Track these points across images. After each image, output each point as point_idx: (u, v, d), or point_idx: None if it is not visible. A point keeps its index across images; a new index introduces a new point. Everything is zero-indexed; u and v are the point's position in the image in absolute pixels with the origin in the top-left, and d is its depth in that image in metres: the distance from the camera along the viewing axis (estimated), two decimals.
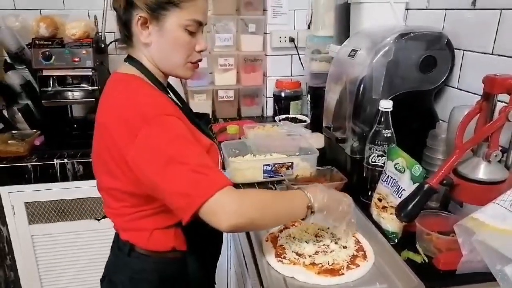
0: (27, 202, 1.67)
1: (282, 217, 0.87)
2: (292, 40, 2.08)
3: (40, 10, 1.95)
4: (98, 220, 1.72)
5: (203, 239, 0.94)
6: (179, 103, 0.99)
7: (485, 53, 1.18)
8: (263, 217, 0.81)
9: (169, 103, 0.88)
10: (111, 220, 0.97)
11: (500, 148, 0.93)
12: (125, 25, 0.90)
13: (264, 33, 2.12)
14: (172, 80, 1.05)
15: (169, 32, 0.87)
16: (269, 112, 2.23)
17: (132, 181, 0.84)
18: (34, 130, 1.82)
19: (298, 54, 2.11)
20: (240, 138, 1.68)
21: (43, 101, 1.70)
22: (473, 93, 1.24)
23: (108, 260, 1.02)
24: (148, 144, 0.78)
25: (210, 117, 2.12)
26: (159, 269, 0.93)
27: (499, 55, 1.14)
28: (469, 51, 1.25)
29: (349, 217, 0.95)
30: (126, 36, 0.93)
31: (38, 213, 1.69)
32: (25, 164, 1.61)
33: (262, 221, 0.82)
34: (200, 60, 0.96)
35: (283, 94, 2.10)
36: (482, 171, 0.94)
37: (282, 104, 2.11)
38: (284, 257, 0.94)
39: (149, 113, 0.80)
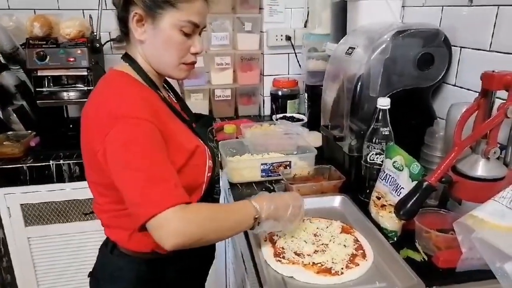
0: (23, 204, 1.66)
1: (229, 231, 0.87)
2: (288, 38, 2.07)
3: (34, 9, 1.94)
4: (85, 214, 1.71)
5: None
6: (171, 103, 0.97)
7: (482, 50, 1.18)
8: (209, 234, 0.80)
9: (149, 105, 0.85)
10: (97, 216, 0.96)
11: (498, 145, 0.93)
12: (122, 21, 0.91)
13: (261, 31, 2.11)
14: (169, 80, 1.05)
15: (163, 31, 0.87)
16: (266, 111, 2.22)
17: (107, 176, 0.83)
18: (30, 131, 1.80)
19: (295, 52, 2.10)
20: (237, 138, 1.68)
21: (38, 101, 1.69)
22: (471, 90, 1.23)
23: (97, 256, 1.02)
24: (114, 145, 0.78)
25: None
26: (138, 270, 0.93)
27: (497, 52, 1.13)
28: (466, 48, 1.25)
29: (300, 218, 0.96)
30: (124, 33, 0.93)
31: (34, 214, 1.68)
32: (21, 165, 1.60)
33: (208, 237, 0.81)
34: (194, 62, 0.95)
35: (280, 93, 2.09)
36: (481, 168, 0.94)
37: (279, 103, 2.10)
38: (283, 257, 0.93)
39: (120, 114, 0.79)
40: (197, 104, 2.10)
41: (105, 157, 0.79)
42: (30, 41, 1.63)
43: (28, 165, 1.60)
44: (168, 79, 1.04)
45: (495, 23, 1.13)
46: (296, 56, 2.11)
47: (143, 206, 0.75)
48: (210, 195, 1.02)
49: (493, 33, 1.14)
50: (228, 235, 0.90)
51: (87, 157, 0.89)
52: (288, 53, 2.14)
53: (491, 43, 1.15)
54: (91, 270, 1.03)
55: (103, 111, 0.82)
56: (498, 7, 1.12)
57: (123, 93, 0.85)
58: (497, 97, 0.93)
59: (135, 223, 0.76)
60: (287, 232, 0.99)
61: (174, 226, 0.74)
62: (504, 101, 0.89)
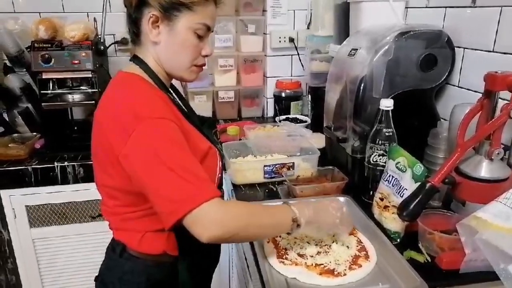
0: (28, 206, 1.67)
1: (267, 230, 0.87)
2: (291, 40, 2.08)
3: (40, 13, 1.96)
4: (94, 217, 1.72)
5: (196, 246, 0.89)
6: (181, 105, 0.98)
7: (485, 51, 1.18)
8: (246, 230, 0.81)
9: (166, 105, 0.87)
10: (106, 218, 0.96)
11: (502, 146, 0.93)
12: (134, 22, 0.91)
13: (264, 33, 2.11)
14: (173, 82, 1.05)
15: (179, 33, 0.88)
16: (270, 112, 2.23)
17: (124, 180, 0.84)
18: (35, 133, 1.82)
19: (298, 54, 2.10)
20: (240, 139, 1.68)
21: (43, 104, 1.70)
22: (474, 91, 1.23)
23: (103, 260, 1.02)
24: (140, 145, 0.78)
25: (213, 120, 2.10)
26: (148, 272, 0.93)
27: (500, 53, 1.13)
28: (469, 48, 1.24)
29: (343, 219, 0.94)
30: (135, 34, 0.93)
31: (39, 216, 1.69)
32: (26, 167, 1.61)
33: (246, 233, 0.82)
34: (204, 64, 0.97)
35: (283, 95, 2.10)
36: (484, 169, 0.94)
37: (282, 105, 2.10)
38: (286, 258, 0.93)
39: (143, 114, 0.80)
40: (201, 106, 2.11)
41: (129, 159, 0.79)
42: (35, 44, 1.64)
43: (33, 167, 1.61)
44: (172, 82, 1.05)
45: (498, 24, 1.13)
46: (299, 57, 2.11)
47: (179, 202, 0.75)
48: None
49: (496, 34, 1.14)
50: (266, 234, 0.90)
51: (102, 159, 0.88)
52: (291, 55, 2.14)
53: (494, 44, 1.15)
54: (97, 274, 1.02)
55: (125, 112, 0.82)
56: (501, 8, 1.11)
57: (143, 94, 0.86)
58: (500, 98, 0.93)
59: (169, 220, 0.76)
60: (338, 237, 0.98)
61: (212, 217, 0.75)
62: (508, 102, 0.89)
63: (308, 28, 2.08)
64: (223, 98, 2.16)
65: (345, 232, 0.97)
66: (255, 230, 0.84)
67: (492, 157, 0.92)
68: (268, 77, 2.17)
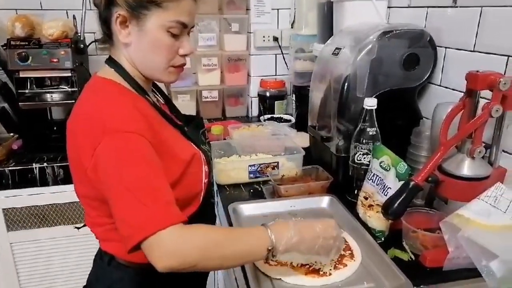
0: (5, 209, 1.62)
1: (233, 261, 0.79)
2: (275, 39, 2.07)
3: (16, 9, 1.89)
4: (78, 228, 1.68)
5: None
6: (161, 109, 0.94)
7: (467, 50, 1.19)
8: (207, 261, 0.74)
9: (141, 114, 0.80)
10: (90, 230, 0.92)
11: (483, 144, 0.94)
12: (105, 22, 0.86)
13: (248, 32, 2.10)
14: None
15: (149, 33, 0.81)
16: (254, 112, 2.22)
17: (99, 191, 0.79)
18: (12, 133, 1.77)
19: (282, 53, 2.10)
20: (225, 139, 1.67)
21: (20, 103, 1.65)
22: (456, 90, 1.25)
23: (91, 268, 0.98)
24: (103, 160, 0.74)
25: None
26: (138, 280, 0.90)
27: (480, 52, 1.15)
28: (451, 48, 1.26)
29: (334, 252, 0.85)
30: (106, 35, 0.88)
31: (17, 219, 1.64)
32: (3, 169, 1.56)
33: (206, 264, 0.75)
34: (184, 64, 0.91)
35: (267, 94, 2.09)
36: (466, 168, 0.95)
37: (267, 104, 2.10)
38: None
39: (111, 127, 0.75)
40: (184, 105, 2.08)
41: (96, 173, 0.75)
42: (12, 41, 1.60)
43: (10, 168, 1.57)
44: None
45: (478, 24, 1.14)
46: (283, 56, 2.11)
47: (134, 227, 0.71)
48: (208, 200, 0.99)
49: (476, 33, 1.15)
50: (232, 264, 0.82)
51: (76, 171, 0.84)
52: (276, 54, 2.14)
53: (475, 44, 1.16)
54: (84, 283, 0.99)
55: (94, 125, 0.77)
56: (481, 8, 1.13)
57: (115, 105, 0.80)
58: (482, 97, 0.94)
59: (127, 244, 0.72)
60: (322, 264, 0.89)
61: (168, 247, 0.70)
62: (489, 101, 0.90)
63: (292, 27, 2.08)
64: (207, 97, 2.14)
65: (335, 257, 0.88)
66: (219, 261, 0.75)
67: (474, 156, 0.93)
68: (252, 76, 2.16)
